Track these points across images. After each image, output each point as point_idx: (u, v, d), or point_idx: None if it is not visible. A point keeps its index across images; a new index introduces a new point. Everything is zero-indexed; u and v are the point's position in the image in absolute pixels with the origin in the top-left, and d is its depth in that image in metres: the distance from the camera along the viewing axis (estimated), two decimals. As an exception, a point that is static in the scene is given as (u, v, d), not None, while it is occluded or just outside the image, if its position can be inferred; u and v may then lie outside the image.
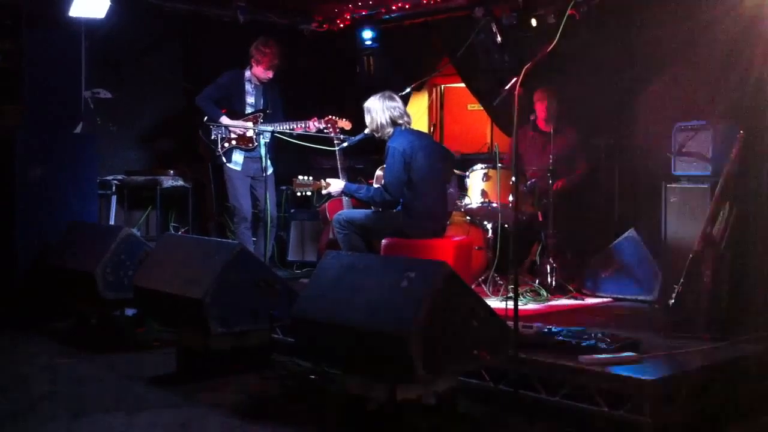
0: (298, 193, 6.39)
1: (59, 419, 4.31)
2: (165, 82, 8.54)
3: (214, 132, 7.23)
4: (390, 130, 6.10)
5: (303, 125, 7.14)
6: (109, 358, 5.62)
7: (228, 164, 7.28)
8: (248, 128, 7.18)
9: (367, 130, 6.24)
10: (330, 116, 7.18)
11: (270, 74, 7.32)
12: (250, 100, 7.38)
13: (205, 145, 7.31)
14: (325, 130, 7.11)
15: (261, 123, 7.22)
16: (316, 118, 7.20)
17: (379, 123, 6.09)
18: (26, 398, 4.69)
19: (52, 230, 6.60)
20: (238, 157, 7.29)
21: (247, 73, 7.36)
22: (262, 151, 6.99)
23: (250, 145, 7.24)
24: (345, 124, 7.24)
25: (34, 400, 4.65)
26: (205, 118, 7.21)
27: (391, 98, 6.14)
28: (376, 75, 8.52)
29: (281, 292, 5.16)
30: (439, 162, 6.27)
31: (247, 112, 7.32)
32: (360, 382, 4.07)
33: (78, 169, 6.92)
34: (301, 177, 6.25)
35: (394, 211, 6.07)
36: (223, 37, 8.12)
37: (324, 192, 6.34)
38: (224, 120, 7.19)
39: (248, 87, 7.37)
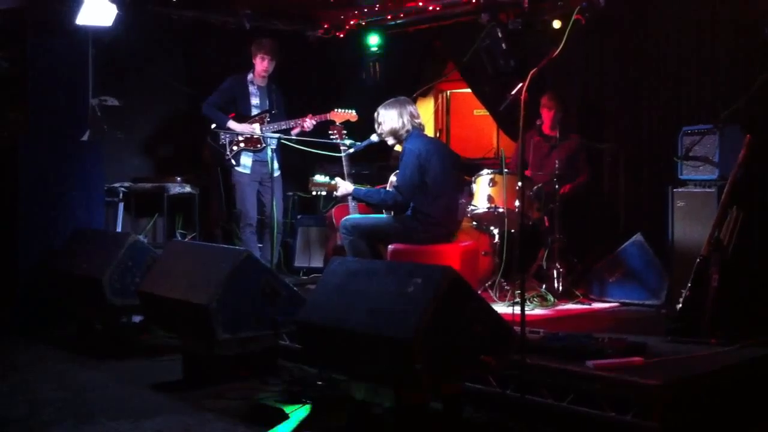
0: (313, 192, 6.37)
1: (64, 425, 4.31)
2: (171, 90, 8.55)
3: (222, 137, 7.28)
4: (410, 128, 6.07)
5: (299, 123, 7.20)
6: (115, 364, 5.62)
7: (237, 168, 7.34)
8: (256, 133, 7.22)
9: (379, 136, 6.20)
10: (334, 110, 7.24)
11: (266, 64, 7.38)
12: (255, 101, 7.45)
13: (213, 151, 7.35)
14: (332, 137, 7.12)
15: (268, 123, 7.27)
16: (311, 115, 7.24)
17: (394, 126, 6.06)
18: (31, 404, 4.69)
19: (58, 237, 6.62)
20: (246, 160, 7.36)
21: (250, 76, 7.45)
22: (269, 154, 7.03)
23: (259, 145, 7.30)
24: (351, 116, 7.28)
25: (39, 406, 4.65)
26: (213, 125, 7.25)
27: (408, 102, 6.14)
28: (381, 81, 8.52)
29: (287, 298, 5.15)
30: (451, 168, 6.25)
31: (252, 114, 7.37)
32: (366, 388, 4.06)
33: (85, 177, 6.93)
34: (318, 177, 6.21)
35: (403, 216, 6.05)
36: (229, 45, 8.14)
37: (334, 194, 6.31)
38: (231, 124, 7.23)
39: (252, 89, 7.45)
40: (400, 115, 6.06)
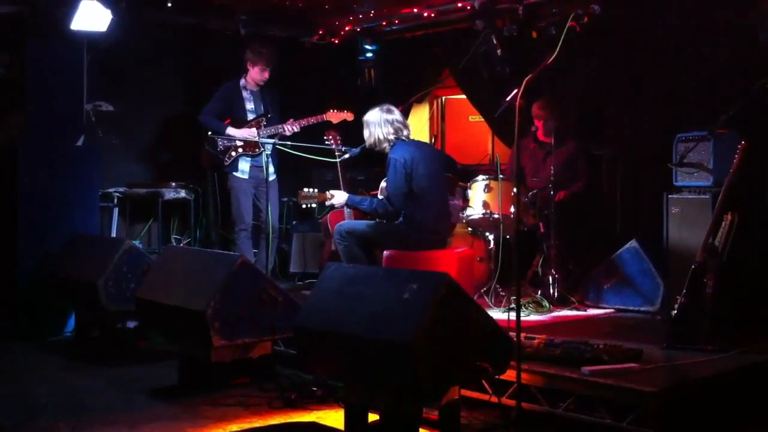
0: (303, 206, 6.43)
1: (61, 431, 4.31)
2: (167, 95, 8.56)
3: (219, 143, 7.28)
4: (387, 145, 6.12)
5: (280, 128, 7.22)
6: (111, 370, 5.62)
7: (235, 173, 7.34)
8: (254, 138, 7.22)
9: (366, 144, 6.28)
10: (330, 110, 7.26)
11: (266, 75, 7.38)
12: (250, 106, 7.46)
13: (210, 157, 7.35)
14: (327, 142, 7.14)
15: (264, 127, 7.29)
16: (291, 120, 7.26)
17: (376, 138, 6.14)
18: (27, 410, 4.69)
19: (53, 242, 6.61)
20: (244, 165, 7.37)
21: (242, 81, 7.46)
22: (264, 159, 7.07)
23: (257, 150, 7.29)
24: (347, 116, 7.31)
25: (36, 412, 4.65)
26: (210, 132, 7.25)
27: (389, 111, 6.18)
28: (377, 87, 8.53)
29: (283, 304, 5.15)
30: (440, 172, 6.31)
31: (248, 118, 7.38)
32: (362, 393, 4.06)
33: (80, 181, 6.93)
34: (306, 189, 6.30)
35: (396, 222, 6.09)
36: (225, 50, 8.14)
37: (327, 204, 6.38)
38: (230, 131, 7.24)
39: (245, 94, 7.46)
40: (381, 125, 6.12)
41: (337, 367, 4.25)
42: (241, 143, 7.27)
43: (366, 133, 6.21)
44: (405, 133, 6.19)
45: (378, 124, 6.12)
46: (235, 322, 4.94)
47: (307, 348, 4.40)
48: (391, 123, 6.12)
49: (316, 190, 6.31)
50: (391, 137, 6.12)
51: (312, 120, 7.34)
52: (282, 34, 8.53)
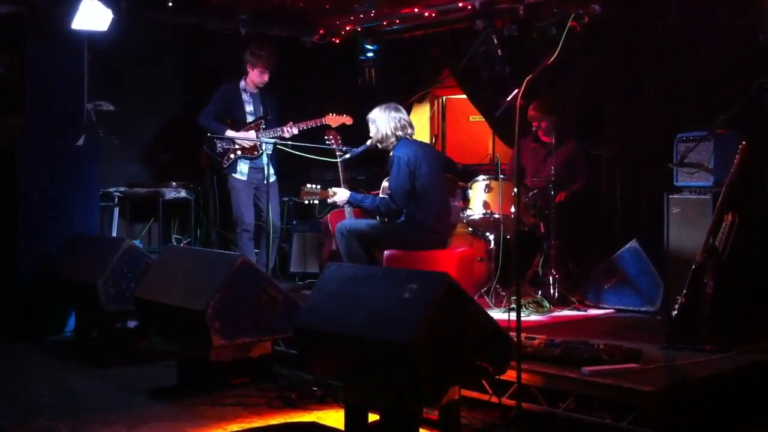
0: (306, 202, 6.44)
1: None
2: (167, 95, 8.56)
3: (218, 145, 7.27)
4: (394, 140, 6.15)
5: (279, 131, 7.21)
6: (110, 370, 5.61)
7: (234, 175, 7.33)
8: (252, 140, 7.22)
9: (370, 141, 6.29)
10: (329, 114, 7.25)
11: (266, 77, 7.38)
12: (249, 108, 7.45)
13: (209, 158, 7.34)
14: (328, 142, 7.13)
15: (263, 129, 7.28)
16: (290, 123, 7.25)
17: (383, 133, 6.16)
18: (27, 410, 4.69)
19: (53, 242, 6.61)
20: (243, 167, 7.37)
21: (242, 83, 7.44)
22: (264, 160, 7.05)
23: (255, 153, 7.29)
24: (346, 120, 7.31)
25: (36, 412, 4.64)
26: (209, 134, 7.25)
27: (397, 109, 6.23)
28: (377, 87, 8.53)
29: (283, 304, 5.15)
30: (441, 172, 6.33)
31: (248, 120, 7.37)
32: (362, 393, 4.06)
33: (80, 181, 6.92)
34: (309, 185, 6.31)
35: (398, 221, 6.10)
36: (225, 50, 8.15)
37: (330, 201, 6.39)
38: (229, 133, 7.24)
39: (245, 96, 7.45)
40: (387, 122, 6.17)
41: (336, 367, 4.25)
42: (240, 145, 7.27)
43: (373, 129, 6.22)
44: (410, 131, 6.24)
45: (386, 119, 6.17)
46: (234, 321, 4.94)
47: (306, 348, 4.39)
48: (398, 120, 6.18)
49: (318, 187, 6.33)
50: (399, 133, 6.16)
51: (311, 123, 7.32)
52: (282, 34, 8.54)
